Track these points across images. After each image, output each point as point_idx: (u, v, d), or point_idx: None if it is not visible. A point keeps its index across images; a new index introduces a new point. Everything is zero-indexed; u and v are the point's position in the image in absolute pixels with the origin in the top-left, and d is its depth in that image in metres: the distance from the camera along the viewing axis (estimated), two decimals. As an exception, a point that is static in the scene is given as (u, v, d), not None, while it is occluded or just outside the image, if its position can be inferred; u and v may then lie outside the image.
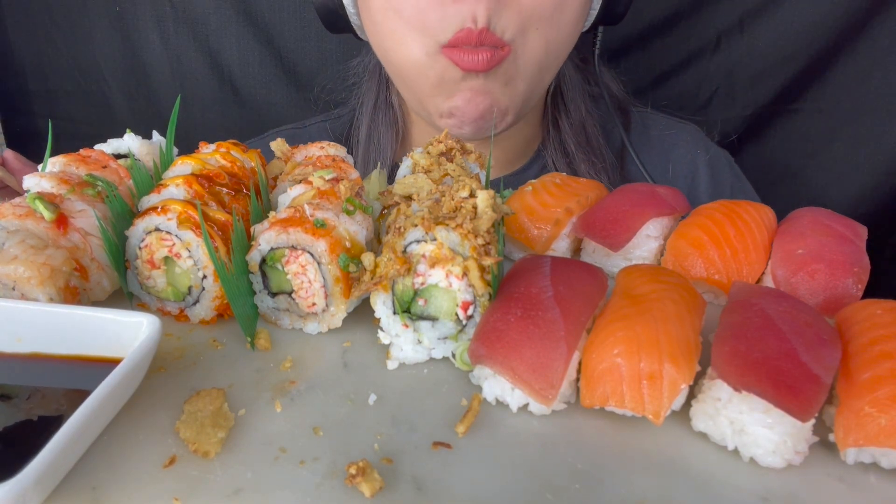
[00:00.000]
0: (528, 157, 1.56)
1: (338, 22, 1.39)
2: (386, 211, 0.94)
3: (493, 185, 1.46)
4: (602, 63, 1.49)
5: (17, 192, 1.21)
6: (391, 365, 0.80)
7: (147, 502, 0.61)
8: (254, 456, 0.66)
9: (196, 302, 0.85)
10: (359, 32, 1.41)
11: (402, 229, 0.79)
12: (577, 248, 1.06)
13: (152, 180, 0.97)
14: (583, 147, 1.50)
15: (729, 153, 1.64)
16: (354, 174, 0.96)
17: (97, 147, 1.03)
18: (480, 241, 0.77)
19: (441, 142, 1.00)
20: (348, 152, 1.55)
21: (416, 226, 0.78)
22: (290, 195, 0.88)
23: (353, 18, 1.37)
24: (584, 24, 1.35)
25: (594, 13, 1.34)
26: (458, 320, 0.79)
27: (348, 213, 0.85)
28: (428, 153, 0.98)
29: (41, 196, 0.83)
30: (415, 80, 1.29)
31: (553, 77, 1.40)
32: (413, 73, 1.28)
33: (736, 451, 0.69)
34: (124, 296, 0.88)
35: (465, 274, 0.77)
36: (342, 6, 1.35)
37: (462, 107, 1.27)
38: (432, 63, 1.24)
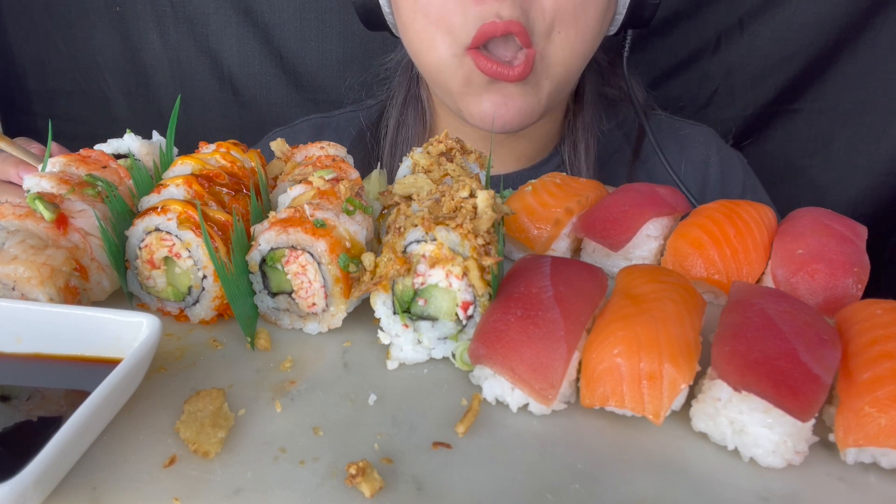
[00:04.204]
0: (547, 152, 1.59)
1: (375, 20, 1.44)
2: (386, 211, 0.94)
3: (511, 179, 1.49)
4: (630, 68, 1.51)
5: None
6: (391, 365, 0.80)
7: (147, 502, 0.61)
8: (254, 456, 0.66)
9: (196, 302, 0.85)
10: (393, 30, 1.45)
11: (402, 229, 0.79)
12: (577, 248, 1.06)
13: (152, 180, 0.97)
14: (587, 150, 1.53)
15: (741, 154, 1.66)
16: (354, 174, 0.96)
17: (97, 147, 1.03)
18: (480, 241, 0.77)
19: (441, 142, 1.00)
20: (377, 142, 1.60)
21: (416, 226, 0.78)
22: (290, 195, 0.88)
23: (388, 17, 1.42)
24: (608, 27, 1.37)
25: (620, 17, 1.36)
26: (458, 320, 0.79)
27: (348, 213, 0.84)
28: (428, 153, 0.98)
29: (41, 196, 0.83)
30: (444, 80, 1.33)
31: (577, 78, 1.42)
32: (441, 74, 1.32)
33: (736, 451, 0.69)
34: (124, 296, 0.88)
35: (465, 274, 0.77)
36: (378, 5, 1.39)
37: (491, 111, 1.29)
38: (458, 64, 1.27)
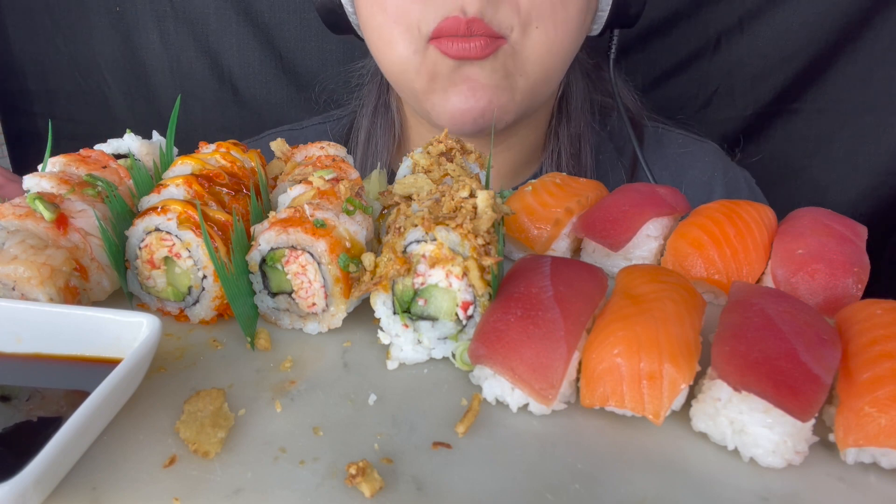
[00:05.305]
0: (534, 167, 1.50)
1: (338, 22, 1.37)
2: (386, 211, 0.94)
3: None
4: (617, 71, 1.43)
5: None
6: (391, 365, 0.80)
7: (147, 502, 0.61)
8: (254, 456, 0.66)
9: (196, 302, 0.85)
10: (358, 32, 1.39)
11: (402, 229, 0.79)
12: (577, 248, 1.06)
13: (152, 180, 0.97)
14: (574, 160, 1.45)
15: (748, 173, 1.58)
16: (354, 174, 0.96)
17: (97, 147, 1.03)
18: (480, 241, 0.77)
19: (441, 142, 1.00)
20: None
21: (416, 226, 0.78)
22: (290, 195, 0.88)
23: (352, 18, 1.35)
24: (590, 25, 1.30)
25: (604, 15, 1.29)
26: (458, 320, 0.79)
27: (348, 213, 0.85)
28: (428, 153, 0.98)
29: (41, 196, 0.83)
30: (408, 79, 1.26)
31: (559, 80, 1.35)
32: (405, 73, 1.25)
33: (736, 451, 0.69)
34: (124, 296, 0.88)
35: (465, 274, 0.77)
36: (341, 6, 1.33)
37: (460, 105, 1.22)
38: (421, 58, 1.20)
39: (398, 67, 1.26)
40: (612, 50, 1.40)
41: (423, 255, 0.77)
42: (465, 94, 1.21)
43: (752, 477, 0.66)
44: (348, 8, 1.33)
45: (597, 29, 1.33)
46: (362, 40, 1.40)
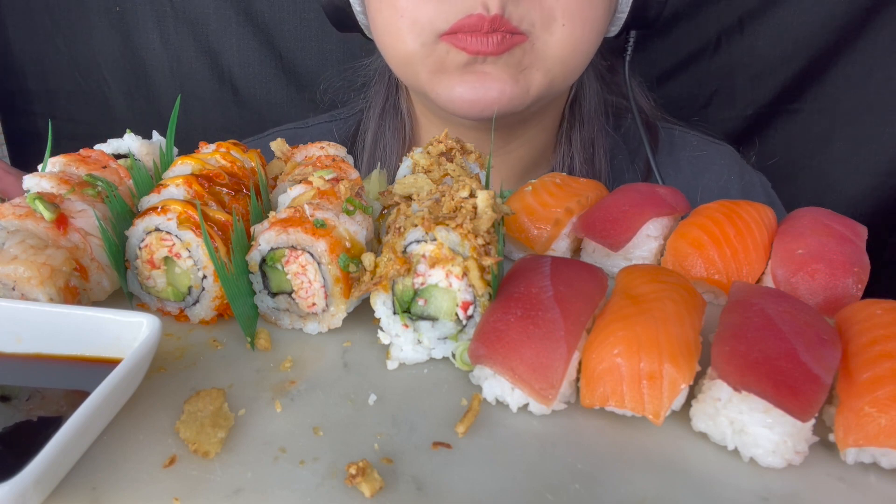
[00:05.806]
0: (544, 171, 1.47)
1: (345, 21, 1.36)
2: (386, 211, 0.94)
3: None
4: (632, 73, 1.41)
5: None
6: (391, 365, 0.80)
7: (147, 502, 0.61)
8: (254, 456, 0.66)
9: (196, 302, 0.85)
10: (366, 31, 1.38)
11: (402, 229, 0.79)
12: (577, 248, 1.06)
13: (152, 180, 0.97)
14: (587, 164, 1.43)
15: (764, 177, 1.56)
16: (354, 174, 0.96)
17: (97, 147, 1.03)
18: (480, 241, 0.77)
19: (441, 142, 1.00)
20: (354, 157, 1.51)
21: (416, 226, 0.78)
22: (290, 195, 0.88)
23: (359, 17, 1.34)
24: (608, 26, 1.28)
25: (622, 16, 1.27)
26: (458, 320, 0.79)
27: (348, 213, 0.85)
28: (428, 153, 0.98)
29: (41, 196, 0.83)
30: (413, 70, 1.25)
31: (576, 79, 1.33)
32: (409, 64, 1.24)
33: (736, 451, 0.69)
34: (124, 296, 0.88)
35: (465, 274, 0.77)
36: (349, 4, 1.32)
37: (466, 95, 1.20)
38: (429, 52, 1.19)
39: (404, 60, 1.25)
40: (629, 52, 1.39)
41: (423, 255, 0.77)
42: (472, 83, 1.19)
43: (752, 477, 0.66)
44: (356, 6, 1.32)
45: (614, 30, 1.31)
46: (368, 39, 1.39)
